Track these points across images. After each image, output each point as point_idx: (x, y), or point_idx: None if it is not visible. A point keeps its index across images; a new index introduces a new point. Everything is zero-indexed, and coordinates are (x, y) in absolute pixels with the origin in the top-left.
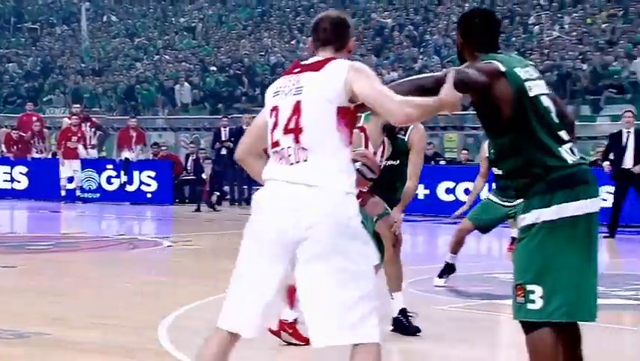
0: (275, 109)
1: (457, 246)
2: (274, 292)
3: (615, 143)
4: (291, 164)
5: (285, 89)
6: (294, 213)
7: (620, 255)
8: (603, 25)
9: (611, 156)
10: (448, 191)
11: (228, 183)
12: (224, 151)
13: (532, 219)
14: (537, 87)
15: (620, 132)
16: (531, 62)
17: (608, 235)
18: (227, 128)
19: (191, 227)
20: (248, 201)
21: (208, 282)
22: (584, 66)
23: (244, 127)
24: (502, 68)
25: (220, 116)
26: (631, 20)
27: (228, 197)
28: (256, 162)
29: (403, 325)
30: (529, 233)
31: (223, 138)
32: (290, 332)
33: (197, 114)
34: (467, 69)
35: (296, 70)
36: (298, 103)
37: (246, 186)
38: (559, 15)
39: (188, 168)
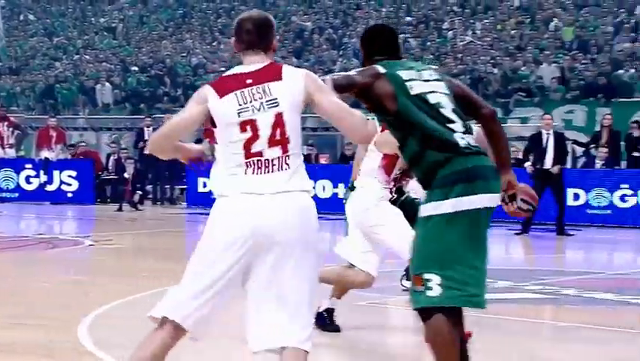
0: (249, 123)
1: None
2: (228, 296)
3: (535, 144)
4: (272, 172)
5: (255, 103)
6: (282, 216)
7: (534, 251)
8: (512, 32)
9: (531, 157)
10: None
11: (151, 182)
12: (147, 150)
13: (430, 211)
14: (421, 87)
15: (539, 134)
16: (433, 67)
17: (520, 231)
18: (151, 128)
19: (112, 226)
20: (170, 201)
21: (129, 281)
22: (495, 70)
23: None
24: (382, 70)
25: (142, 116)
26: (537, 27)
27: (151, 196)
28: (172, 146)
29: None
30: (427, 224)
31: (146, 138)
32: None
33: (118, 114)
34: (348, 73)
35: (249, 81)
36: (280, 115)
37: (168, 186)
38: (471, 21)
39: (110, 167)
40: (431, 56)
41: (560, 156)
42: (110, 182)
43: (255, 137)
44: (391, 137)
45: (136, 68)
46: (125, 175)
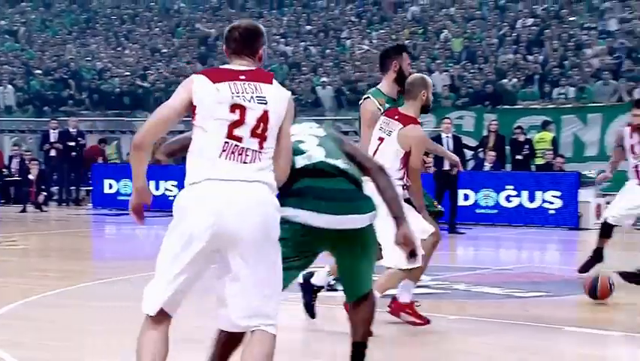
0: (239, 108)
1: None
2: (196, 281)
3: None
4: (244, 163)
5: (246, 95)
6: (254, 207)
7: None
8: (406, 42)
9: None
10: None
11: (56, 183)
12: (53, 152)
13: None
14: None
15: (439, 137)
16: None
17: None
18: (57, 131)
19: (17, 227)
20: (76, 202)
21: (34, 281)
22: None
23: (70, 130)
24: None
25: (46, 119)
26: (429, 38)
27: (56, 198)
28: (147, 156)
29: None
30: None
31: (52, 140)
32: (410, 312)
33: (21, 117)
34: None
35: (242, 77)
36: (266, 113)
37: (73, 187)
38: (367, 31)
39: (13, 169)
40: (331, 64)
41: (459, 157)
42: (14, 183)
43: (241, 122)
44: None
45: (40, 72)
46: (30, 177)
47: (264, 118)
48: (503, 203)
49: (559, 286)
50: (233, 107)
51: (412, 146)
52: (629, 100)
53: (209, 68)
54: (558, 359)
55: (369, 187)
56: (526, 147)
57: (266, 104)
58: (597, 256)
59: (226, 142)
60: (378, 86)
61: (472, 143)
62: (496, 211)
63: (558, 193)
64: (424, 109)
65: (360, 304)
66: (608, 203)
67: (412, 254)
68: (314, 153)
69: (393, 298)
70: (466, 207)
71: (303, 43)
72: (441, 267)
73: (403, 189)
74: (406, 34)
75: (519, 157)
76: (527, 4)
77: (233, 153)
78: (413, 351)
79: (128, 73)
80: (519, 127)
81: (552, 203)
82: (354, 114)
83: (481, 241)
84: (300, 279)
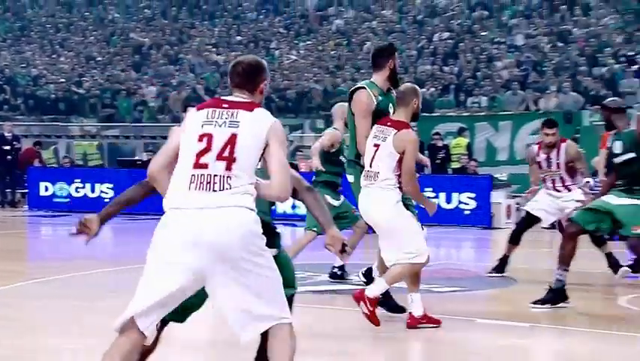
0: (207, 136)
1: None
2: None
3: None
4: (214, 191)
5: (219, 120)
6: (224, 232)
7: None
8: (332, 52)
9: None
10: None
11: None
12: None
13: None
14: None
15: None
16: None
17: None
18: None
19: None
20: (11, 204)
21: None
22: (318, 86)
23: (6, 134)
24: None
25: None
26: (353, 49)
27: None
28: (167, 180)
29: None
30: None
31: None
32: (425, 322)
33: None
34: None
35: (225, 105)
36: (234, 135)
37: (9, 190)
38: (295, 42)
39: None
40: None
41: None
42: None
43: (208, 149)
44: (409, 135)
45: None
46: None
47: (231, 141)
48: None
49: (473, 282)
50: (203, 137)
51: (406, 148)
52: (536, 109)
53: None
54: (472, 349)
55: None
56: (443, 151)
57: (237, 127)
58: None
59: (197, 173)
60: (372, 80)
61: None
62: (416, 212)
63: (472, 195)
64: (414, 117)
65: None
66: (518, 204)
67: (342, 250)
68: None
69: (409, 313)
70: None
71: (234, 53)
72: (366, 265)
73: (400, 191)
74: (331, 46)
75: (437, 161)
76: (443, 20)
77: (202, 182)
78: (341, 343)
79: (63, 80)
80: (437, 133)
81: (467, 204)
82: (283, 120)
83: None
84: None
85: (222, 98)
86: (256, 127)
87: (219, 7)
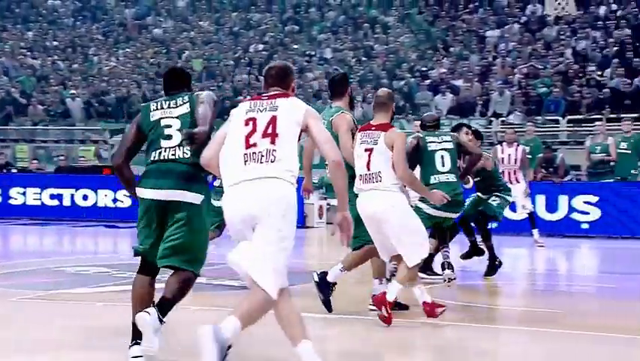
0: (252, 120)
1: None
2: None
3: None
4: (261, 163)
5: (260, 107)
6: (262, 194)
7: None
8: (151, 60)
9: None
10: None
11: None
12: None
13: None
14: (163, 113)
15: None
16: (181, 103)
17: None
18: None
19: None
20: None
21: None
22: (137, 92)
23: None
24: (143, 112)
25: None
26: (172, 57)
27: None
28: (217, 164)
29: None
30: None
31: None
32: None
33: None
34: None
35: (265, 97)
36: (274, 117)
37: None
38: (114, 49)
39: None
40: (79, 77)
41: None
42: None
43: (254, 130)
44: (397, 132)
45: None
46: None
47: (272, 121)
48: None
49: (299, 277)
50: (249, 121)
51: (395, 141)
52: None
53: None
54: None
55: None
56: None
57: (276, 110)
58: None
59: (251, 152)
60: (339, 105)
61: None
62: None
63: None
64: (391, 119)
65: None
66: (329, 205)
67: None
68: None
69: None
70: None
71: (50, 57)
72: None
73: (403, 191)
74: (150, 54)
75: None
76: (257, 32)
77: (254, 157)
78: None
79: None
80: None
81: None
82: (103, 125)
83: (224, 240)
84: (315, 278)
85: (263, 93)
86: (293, 111)
87: (33, 11)
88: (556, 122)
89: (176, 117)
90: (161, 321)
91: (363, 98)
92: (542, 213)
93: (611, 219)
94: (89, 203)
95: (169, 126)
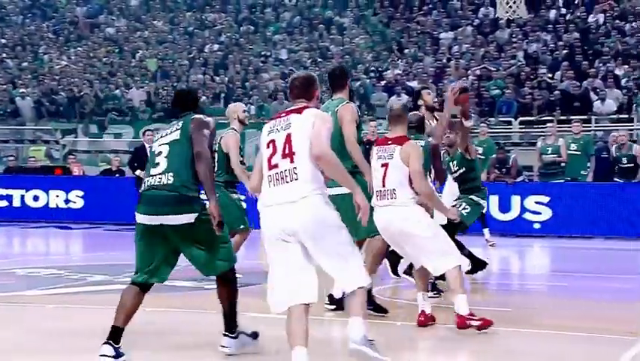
0: (272, 142)
1: None
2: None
3: (140, 155)
4: (286, 183)
5: (278, 127)
6: (296, 216)
7: (129, 247)
8: (104, 59)
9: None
10: None
11: None
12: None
13: None
14: (159, 142)
15: (143, 147)
16: (175, 129)
17: None
18: None
19: None
20: None
21: None
22: (89, 91)
23: None
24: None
25: None
26: (125, 57)
27: None
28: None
29: None
30: None
31: None
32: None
33: None
34: None
35: (282, 115)
36: (289, 135)
37: None
38: (65, 48)
39: None
40: (29, 76)
41: None
42: None
43: (274, 152)
44: (413, 144)
45: None
46: None
47: (288, 140)
48: None
49: (247, 278)
50: (270, 143)
51: (410, 154)
52: None
53: None
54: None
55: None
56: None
57: (290, 128)
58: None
59: (272, 173)
60: (341, 97)
61: None
62: None
63: (242, 197)
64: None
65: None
66: None
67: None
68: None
69: (457, 314)
70: None
71: None
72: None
73: (419, 203)
74: (102, 53)
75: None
76: (213, 32)
77: (278, 179)
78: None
79: None
80: None
81: None
82: (54, 124)
83: None
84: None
85: (286, 110)
86: (304, 124)
87: None
88: (509, 123)
89: (167, 143)
90: (234, 333)
91: (319, 99)
92: (495, 213)
93: (562, 219)
94: (39, 204)
95: (160, 153)
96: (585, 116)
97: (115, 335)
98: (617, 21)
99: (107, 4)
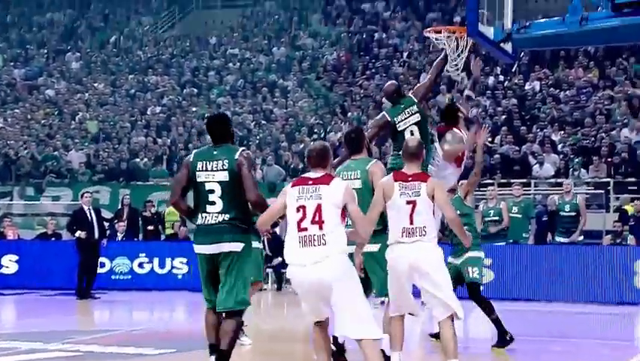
0: (302, 207)
1: None
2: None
3: (81, 218)
4: (314, 246)
5: (307, 194)
6: (322, 273)
7: (62, 312)
8: (42, 121)
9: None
10: None
11: None
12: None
13: None
14: (205, 176)
15: (81, 209)
16: (221, 167)
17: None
18: None
19: None
20: None
21: None
22: (26, 153)
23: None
24: (191, 159)
25: None
26: (65, 119)
27: None
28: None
29: None
30: None
31: None
32: None
33: None
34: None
35: (310, 182)
36: (319, 205)
37: None
38: (2, 109)
39: None
40: None
41: (101, 228)
42: None
43: (304, 217)
44: (436, 180)
45: None
46: None
47: (318, 209)
48: (137, 270)
49: (187, 343)
50: (300, 208)
51: (435, 190)
52: None
53: (297, 178)
54: None
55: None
56: (156, 218)
57: (320, 199)
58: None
59: (302, 235)
60: (364, 156)
61: (108, 215)
62: (130, 277)
63: (185, 260)
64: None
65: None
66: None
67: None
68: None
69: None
70: (102, 274)
71: None
72: (73, 331)
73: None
74: (41, 115)
75: (150, 228)
76: (155, 94)
77: (307, 241)
78: None
79: None
80: (149, 201)
81: (180, 268)
82: None
83: (115, 304)
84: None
85: (306, 176)
86: (333, 196)
87: None
88: None
89: (218, 182)
90: None
91: (263, 161)
92: None
93: (504, 282)
94: None
95: (212, 191)
96: (525, 180)
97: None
98: (552, 89)
99: (47, 67)
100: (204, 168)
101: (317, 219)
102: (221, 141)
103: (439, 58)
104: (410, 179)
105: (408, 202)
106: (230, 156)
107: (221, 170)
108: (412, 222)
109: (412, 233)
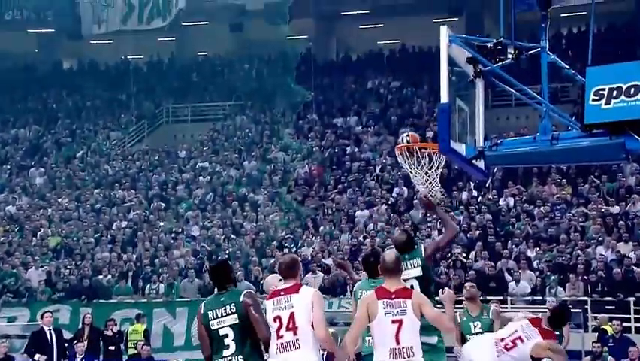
0: (278, 317)
1: None
2: None
3: (40, 340)
4: (290, 351)
5: (281, 305)
6: None
7: None
8: (1, 238)
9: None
10: None
11: None
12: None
13: None
14: (217, 323)
15: (42, 329)
16: (230, 311)
17: None
18: None
19: None
20: None
21: None
22: None
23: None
24: (202, 311)
25: None
26: (26, 235)
27: None
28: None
29: None
30: None
31: None
32: None
33: None
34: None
35: (282, 293)
36: (292, 313)
37: None
38: None
39: None
40: None
41: (61, 350)
42: None
43: (281, 326)
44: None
45: None
46: None
47: (292, 317)
48: None
49: None
50: (276, 318)
51: (422, 305)
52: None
53: (272, 292)
54: None
55: None
56: (118, 337)
57: (293, 307)
58: None
59: (279, 343)
60: (370, 279)
61: (68, 336)
62: None
63: None
64: None
65: None
66: None
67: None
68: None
69: None
70: None
71: None
72: None
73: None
74: (0, 232)
75: (112, 348)
76: (121, 209)
77: (284, 347)
78: None
79: None
80: (112, 320)
81: None
82: None
83: None
84: None
85: (279, 288)
86: (303, 302)
87: None
88: None
89: (229, 326)
90: None
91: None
92: None
93: None
94: None
95: (226, 336)
96: (501, 297)
97: None
98: (526, 205)
99: (9, 183)
100: (215, 316)
101: (291, 325)
102: (225, 285)
103: (453, 227)
104: (394, 296)
105: (393, 321)
106: (237, 299)
107: (230, 314)
108: (398, 343)
109: (399, 355)
